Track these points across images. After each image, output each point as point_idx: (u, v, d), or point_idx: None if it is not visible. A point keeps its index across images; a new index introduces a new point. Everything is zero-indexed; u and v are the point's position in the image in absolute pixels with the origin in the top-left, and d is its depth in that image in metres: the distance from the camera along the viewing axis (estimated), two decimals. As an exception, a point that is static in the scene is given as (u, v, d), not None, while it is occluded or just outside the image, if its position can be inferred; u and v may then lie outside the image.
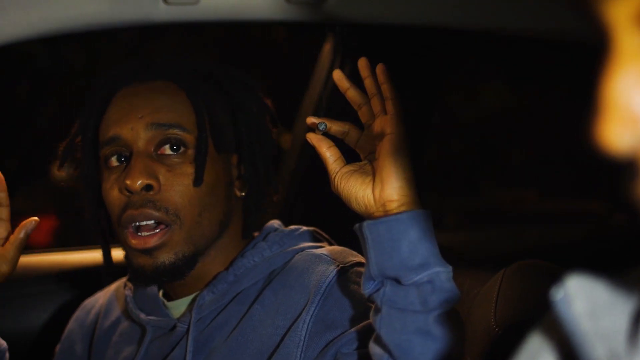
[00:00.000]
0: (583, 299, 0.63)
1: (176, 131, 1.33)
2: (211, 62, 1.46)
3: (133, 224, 1.32)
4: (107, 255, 1.48)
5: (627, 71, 0.55)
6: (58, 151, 1.45)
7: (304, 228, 1.44)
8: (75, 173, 1.45)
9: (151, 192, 1.31)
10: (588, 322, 0.63)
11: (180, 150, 1.34)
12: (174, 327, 1.37)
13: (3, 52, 1.50)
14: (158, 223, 1.32)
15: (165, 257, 1.32)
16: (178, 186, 1.32)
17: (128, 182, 1.30)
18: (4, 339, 1.44)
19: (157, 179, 1.31)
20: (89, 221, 1.46)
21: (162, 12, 1.59)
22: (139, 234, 1.32)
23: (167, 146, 1.34)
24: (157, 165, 1.32)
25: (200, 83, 1.39)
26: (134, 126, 1.34)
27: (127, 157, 1.35)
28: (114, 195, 1.34)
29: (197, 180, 1.32)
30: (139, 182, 1.30)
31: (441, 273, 1.10)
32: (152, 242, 1.31)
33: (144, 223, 1.31)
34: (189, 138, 1.34)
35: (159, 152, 1.34)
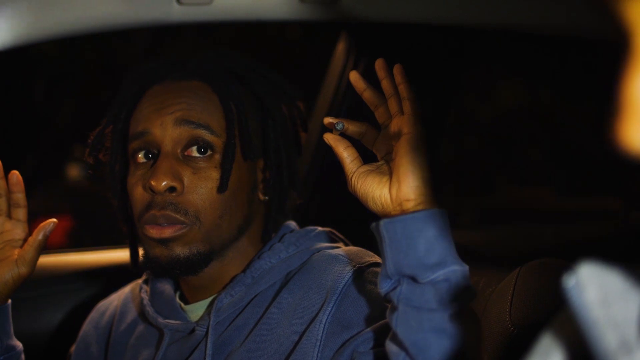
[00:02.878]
0: (595, 286, 0.63)
1: (204, 132, 1.33)
2: (247, 62, 1.45)
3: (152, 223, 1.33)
4: (134, 248, 1.48)
5: None
6: (88, 139, 1.45)
7: (320, 229, 1.44)
8: (104, 160, 1.45)
9: (174, 194, 1.32)
10: (599, 310, 0.62)
11: (207, 154, 1.34)
12: (193, 330, 1.37)
13: (20, 53, 1.51)
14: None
15: (180, 250, 1.32)
16: (201, 189, 1.32)
17: (153, 182, 1.30)
18: (19, 339, 1.44)
19: (181, 181, 1.32)
20: (116, 210, 1.46)
21: (176, 13, 1.59)
22: (157, 224, 1.32)
23: (195, 148, 1.34)
24: (182, 167, 1.33)
25: (234, 86, 1.38)
26: (163, 121, 1.34)
27: (155, 155, 1.35)
28: (138, 191, 1.35)
29: (222, 187, 1.33)
30: (164, 183, 1.30)
31: (458, 272, 1.10)
32: (168, 233, 1.31)
33: (165, 225, 1.32)
34: (217, 142, 1.34)
35: (185, 154, 1.34)
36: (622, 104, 0.55)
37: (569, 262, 1.36)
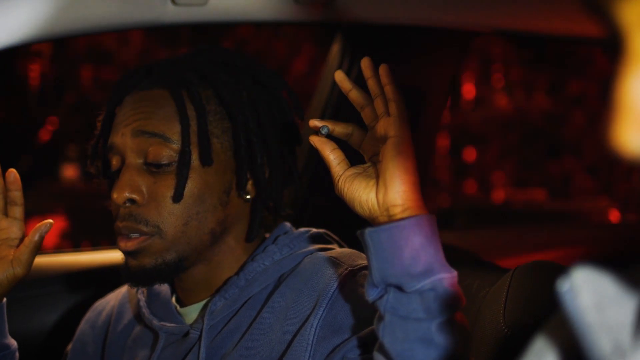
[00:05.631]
0: (589, 291, 0.63)
1: (160, 142, 1.32)
2: (218, 60, 1.42)
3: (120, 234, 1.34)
4: None
5: None
6: (87, 150, 1.45)
7: (314, 230, 1.43)
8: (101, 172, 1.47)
9: (134, 206, 1.32)
10: (594, 314, 0.62)
11: (166, 164, 1.33)
12: (187, 333, 1.37)
13: (14, 53, 1.51)
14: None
15: (147, 262, 1.32)
16: (160, 198, 1.32)
17: (114, 195, 1.32)
18: (14, 339, 1.44)
19: (141, 192, 1.32)
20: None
21: (170, 13, 1.59)
22: (126, 236, 1.33)
23: (154, 157, 1.33)
24: (144, 177, 1.33)
25: (196, 90, 1.36)
26: (124, 133, 1.34)
27: (122, 167, 1.36)
28: (112, 204, 1.37)
29: (176, 197, 1.31)
30: (122, 195, 1.31)
31: (445, 279, 1.08)
32: (132, 246, 1.32)
33: (129, 235, 1.33)
34: (176, 150, 1.33)
35: (148, 162, 1.34)
36: (615, 106, 0.55)
37: (563, 264, 1.37)
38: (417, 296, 1.08)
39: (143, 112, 1.34)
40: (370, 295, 1.12)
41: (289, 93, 1.43)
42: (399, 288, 1.09)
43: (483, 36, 2.05)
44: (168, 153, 1.33)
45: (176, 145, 1.33)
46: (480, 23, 1.82)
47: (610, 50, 0.57)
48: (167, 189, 1.32)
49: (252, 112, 1.38)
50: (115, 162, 1.37)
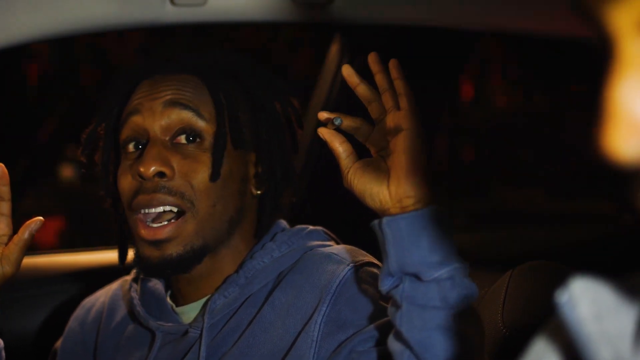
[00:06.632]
0: (588, 301, 0.63)
1: (193, 115, 1.32)
2: (237, 58, 1.44)
3: (143, 211, 1.31)
4: (122, 248, 1.46)
5: (631, 78, 0.54)
6: (81, 139, 1.44)
7: (311, 227, 1.43)
8: (98, 160, 1.43)
9: (164, 179, 1.30)
10: (593, 325, 0.62)
11: (196, 141, 1.32)
12: (186, 332, 1.36)
13: (13, 53, 1.51)
14: (171, 212, 1.31)
15: (174, 250, 1.30)
16: (193, 174, 1.31)
17: (141, 168, 1.29)
18: (10, 339, 1.43)
19: (171, 167, 1.30)
20: (107, 210, 1.45)
21: (169, 13, 1.59)
22: (151, 224, 1.31)
23: (183, 136, 1.32)
24: (171, 153, 1.31)
25: (223, 80, 1.37)
26: (152, 106, 1.33)
27: (144, 144, 1.33)
28: (126, 180, 1.33)
29: (214, 175, 1.31)
30: (152, 168, 1.28)
31: (460, 269, 1.10)
32: (163, 234, 1.30)
33: (154, 210, 1.30)
34: (207, 129, 1.33)
35: (174, 141, 1.33)
36: (605, 112, 0.55)
37: (561, 264, 1.37)
38: (435, 285, 1.09)
39: (175, 86, 1.34)
40: (385, 285, 1.13)
41: (292, 104, 1.45)
42: (416, 277, 1.10)
43: (483, 36, 2.05)
44: (199, 132, 1.33)
45: (207, 124, 1.33)
46: (480, 23, 1.82)
47: (601, 55, 0.57)
48: (200, 165, 1.31)
49: (273, 111, 1.40)
50: (132, 141, 1.35)
